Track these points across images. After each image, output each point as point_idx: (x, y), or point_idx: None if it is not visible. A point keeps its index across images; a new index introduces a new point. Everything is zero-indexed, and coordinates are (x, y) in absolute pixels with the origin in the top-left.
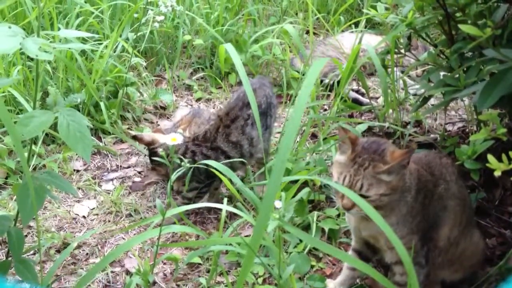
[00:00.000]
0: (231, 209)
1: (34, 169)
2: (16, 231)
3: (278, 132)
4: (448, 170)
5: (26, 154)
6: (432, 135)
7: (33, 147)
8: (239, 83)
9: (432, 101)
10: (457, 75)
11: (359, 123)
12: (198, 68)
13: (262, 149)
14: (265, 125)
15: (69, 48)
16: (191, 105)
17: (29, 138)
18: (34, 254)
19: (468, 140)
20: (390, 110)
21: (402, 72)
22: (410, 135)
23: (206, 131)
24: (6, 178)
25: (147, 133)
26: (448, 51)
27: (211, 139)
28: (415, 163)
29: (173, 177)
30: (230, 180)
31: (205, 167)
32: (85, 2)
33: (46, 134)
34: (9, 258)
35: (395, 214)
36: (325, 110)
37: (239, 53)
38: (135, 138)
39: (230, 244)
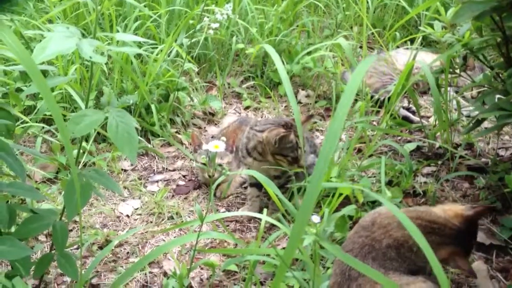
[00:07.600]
0: (270, 219)
1: (84, 166)
2: (61, 226)
3: None
4: None
5: (75, 151)
6: (483, 159)
7: (85, 144)
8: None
9: (485, 124)
10: None
11: (408, 141)
12: (249, 76)
13: None
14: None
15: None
16: (239, 113)
17: (80, 135)
18: (77, 248)
19: None
20: (441, 130)
21: (456, 92)
22: (460, 157)
23: None
24: (57, 172)
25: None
26: (505, 74)
27: None
28: None
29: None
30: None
31: None
32: (144, 6)
33: (98, 133)
34: (53, 251)
35: None
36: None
37: (290, 64)
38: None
39: (268, 255)
